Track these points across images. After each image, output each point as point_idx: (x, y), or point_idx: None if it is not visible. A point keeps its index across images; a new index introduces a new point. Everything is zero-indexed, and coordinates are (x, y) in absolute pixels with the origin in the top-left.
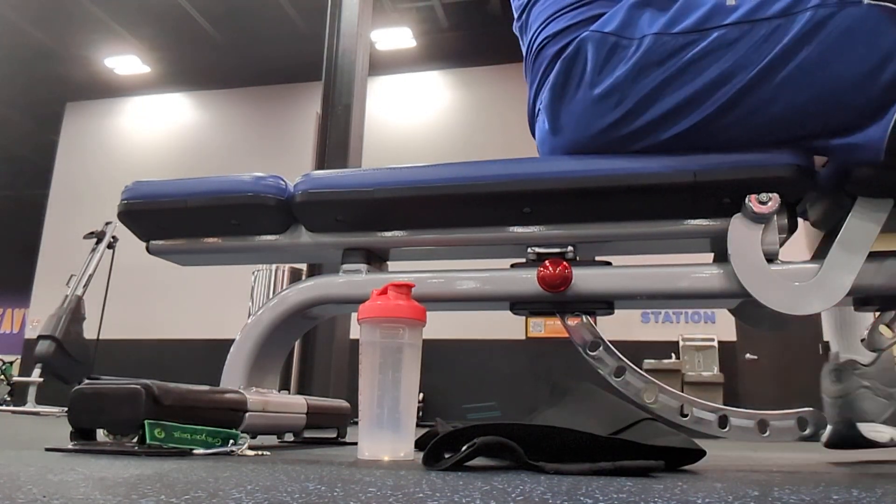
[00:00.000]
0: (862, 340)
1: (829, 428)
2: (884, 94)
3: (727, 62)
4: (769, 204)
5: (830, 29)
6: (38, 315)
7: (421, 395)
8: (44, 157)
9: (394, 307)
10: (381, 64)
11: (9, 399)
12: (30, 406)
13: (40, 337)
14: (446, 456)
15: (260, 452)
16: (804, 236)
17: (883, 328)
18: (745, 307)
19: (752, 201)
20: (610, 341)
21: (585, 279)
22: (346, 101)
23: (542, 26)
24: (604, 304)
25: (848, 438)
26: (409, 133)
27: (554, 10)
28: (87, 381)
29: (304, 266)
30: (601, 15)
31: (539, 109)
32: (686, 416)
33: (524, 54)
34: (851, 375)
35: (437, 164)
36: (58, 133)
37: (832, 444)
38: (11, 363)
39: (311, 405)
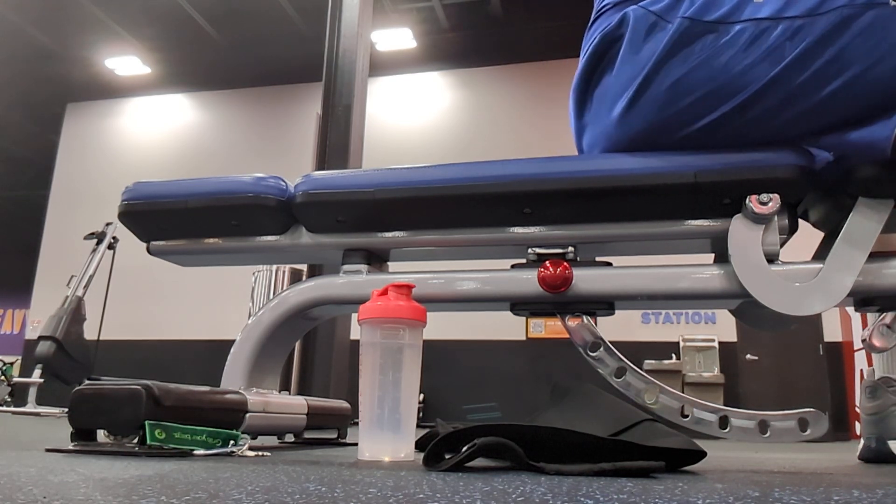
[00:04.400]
0: (863, 340)
1: (861, 441)
2: None
3: (749, 57)
4: (770, 204)
5: (856, 29)
6: (39, 316)
7: (421, 395)
8: (44, 158)
9: (394, 308)
10: (382, 64)
11: (9, 400)
12: (30, 407)
13: (41, 338)
14: (447, 457)
15: (260, 453)
16: None
17: (884, 329)
18: (746, 308)
19: (752, 202)
20: (610, 342)
21: (586, 280)
22: (347, 101)
23: None
24: (604, 304)
25: (878, 453)
26: (410, 134)
27: None
28: (87, 381)
29: (304, 267)
30: None
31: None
32: (687, 416)
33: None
34: (886, 392)
35: (438, 164)
36: (58, 134)
37: (864, 457)
38: (12, 364)
39: (311, 406)
